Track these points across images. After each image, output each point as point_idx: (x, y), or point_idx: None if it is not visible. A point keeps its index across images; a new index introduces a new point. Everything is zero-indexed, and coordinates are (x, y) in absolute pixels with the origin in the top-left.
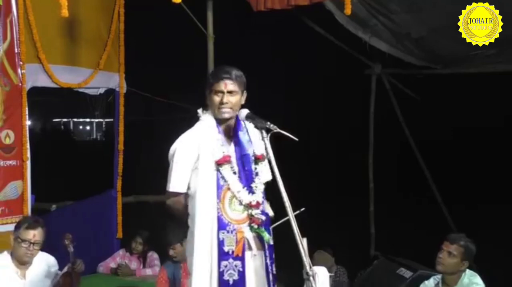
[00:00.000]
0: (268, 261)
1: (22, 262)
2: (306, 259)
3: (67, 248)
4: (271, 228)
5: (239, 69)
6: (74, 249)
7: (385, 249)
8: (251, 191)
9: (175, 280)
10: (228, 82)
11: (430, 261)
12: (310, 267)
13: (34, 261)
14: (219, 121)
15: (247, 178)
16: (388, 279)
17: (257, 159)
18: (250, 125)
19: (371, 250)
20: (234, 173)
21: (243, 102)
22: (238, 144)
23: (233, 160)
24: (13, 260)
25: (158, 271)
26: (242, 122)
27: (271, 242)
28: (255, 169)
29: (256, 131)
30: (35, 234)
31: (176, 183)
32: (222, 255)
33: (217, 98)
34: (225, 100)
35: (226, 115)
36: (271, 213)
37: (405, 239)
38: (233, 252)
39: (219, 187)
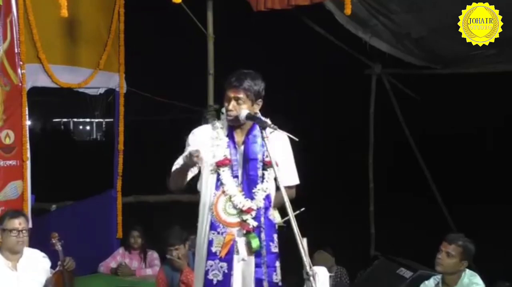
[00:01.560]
0: (264, 269)
1: (14, 252)
2: (306, 259)
3: (54, 247)
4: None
5: (239, 69)
6: (62, 247)
7: (385, 249)
8: (250, 196)
9: (173, 281)
10: (235, 90)
11: (430, 261)
12: (310, 267)
13: (24, 254)
14: (229, 123)
15: (250, 183)
16: (388, 279)
17: (266, 165)
18: (269, 131)
19: (371, 250)
20: (236, 176)
21: (256, 111)
22: (248, 148)
23: (239, 163)
24: (3, 253)
25: (158, 265)
26: (257, 127)
27: (274, 250)
28: (263, 174)
29: (274, 137)
30: (20, 222)
31: (174, 166)
32: (209, 255)
33: (225, 103)
34: (230, 107)
35: (231, 122)
36: (277, 219)
37: (405, 239)
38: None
39: (216, 188)
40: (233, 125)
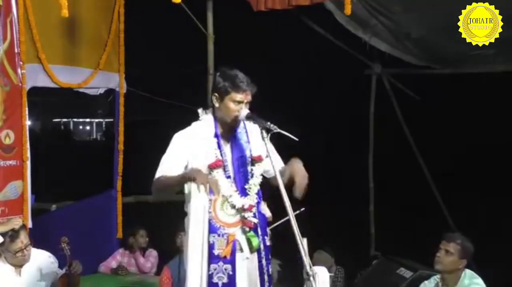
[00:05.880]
0: (264, 262)
1: (22, 265)
2: (306, 259)
3: (63, 251)
4: (269, 228)
5: (240, 69)
6: (71, 251)
7: (385, 249)
8: (244, 193)
9: (179, 280)
10: (249, 93)
11: (430, 261)
12: (310, 267)
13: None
14: (221, 123)
15: (241, 180)
16: (388, 279)
17: (254, 160)
18: (249, 126)
19: (371, 250)
20: (228, 176)
21: None
22: (235, 145)
23: (228, 161)
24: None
25: (154, 263)
26: (241, 123)
27: (268, 243)
28: (251, 170)
29: (255, 132)
30: (22, 240)
31: (162, 171)
32: (212, 258)
33: (234, 107)
34: (240, 110)
35: (233, 123)
36: (268, 213)
37: (405, 239)
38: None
39: (211, 191)
40: (221, 124)
